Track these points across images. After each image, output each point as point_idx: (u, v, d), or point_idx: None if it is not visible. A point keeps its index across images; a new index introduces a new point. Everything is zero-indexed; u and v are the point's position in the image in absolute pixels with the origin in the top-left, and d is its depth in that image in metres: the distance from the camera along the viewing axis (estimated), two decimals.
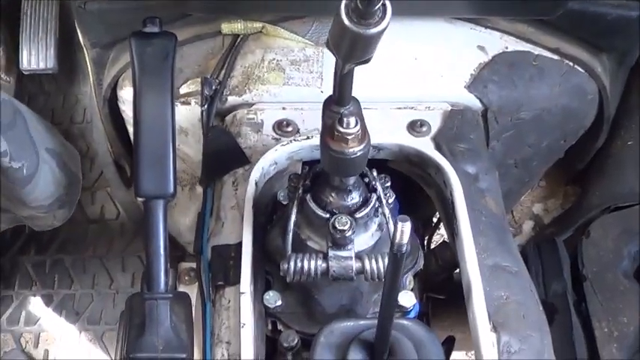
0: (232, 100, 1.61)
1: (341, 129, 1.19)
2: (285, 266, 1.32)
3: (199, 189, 1.75)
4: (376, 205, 1.35)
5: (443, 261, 1.60)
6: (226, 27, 1.70)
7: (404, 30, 1.68)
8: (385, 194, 1.38)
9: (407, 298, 1.41)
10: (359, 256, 1.32)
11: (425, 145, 1.56)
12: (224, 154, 1.60)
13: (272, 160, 1.51)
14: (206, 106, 1.64)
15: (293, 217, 1.34)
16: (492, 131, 1.72)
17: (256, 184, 1.48)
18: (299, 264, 1.31)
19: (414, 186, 1.60)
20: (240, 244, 1.38)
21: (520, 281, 1.40)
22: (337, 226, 1.29)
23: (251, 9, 1.66)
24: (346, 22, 0.98)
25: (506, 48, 1.75)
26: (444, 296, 1.67)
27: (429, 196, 1.63)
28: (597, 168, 1.94)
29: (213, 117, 1.64)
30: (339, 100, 1.20)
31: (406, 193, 1.52)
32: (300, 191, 1.35)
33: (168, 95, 1.37)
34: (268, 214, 1.51)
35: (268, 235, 1.46)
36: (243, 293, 1.33)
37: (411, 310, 1.42)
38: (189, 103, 1.63)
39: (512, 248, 1.46)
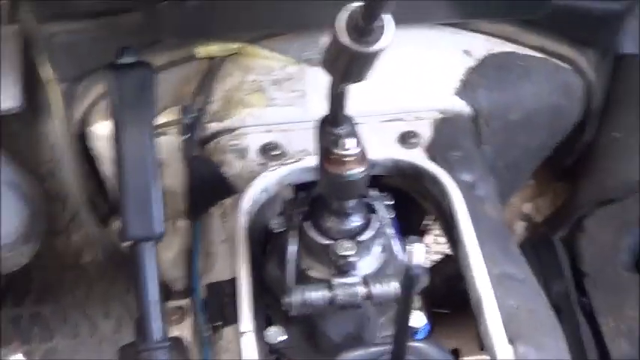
0: (213, 126, 1.53)
1: (339, 151, 1.13)
2: (288, 300, 1.24)
3: (181, 222, 1.67)
4: (378, 226, 1.28)
5: (446, 275, 1.54)
6: (201, 50, 1.63)
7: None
8: (388, 212, 1.31)
9: (417, 319, 1.35)
10: (365, 281, 1.25)
11: (419, 157, 1.50)
12: (209, 185, 1.52)
13: (261, 187, 1.44)
14: (187, 136, 1.56)
15: (293, 247, 1.27)
16: (483, 135, 1.67)
17: (247, 213, 1.41)
18: (303, 296, 1.24)
19: (404, 199, 1.53)
20: (234, 280, 1.29)
21: (528, 288, 1.36)
22: (340, 252, 1.23)
23: (228, 29, 1.58)
24: (345, 40, 0.92)
25: (492, 50, 1.70)
26: (448, 310, 1.61)
27: (419, 208, 1.57)
28: (586, 162, 1.88)
29: (194, 146, 1.57)
30: (334, 121, 1.13)
31: (398, 208, 1.45)
32: (300, 218, 1.28)
33: (150, 129, 1.29)
34: (261, 244, 1.44)
35: (265, 267, 1.38)
36: (244, 333, 1.25)
37: (421, 330, 1.36)
38: (165, 134, 1.55)
39: (516, 255, 1.41)
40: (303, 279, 1.27)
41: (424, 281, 1.44)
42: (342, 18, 0.88)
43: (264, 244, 1.44)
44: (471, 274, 1.31)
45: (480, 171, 1.55)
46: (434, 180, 1.47)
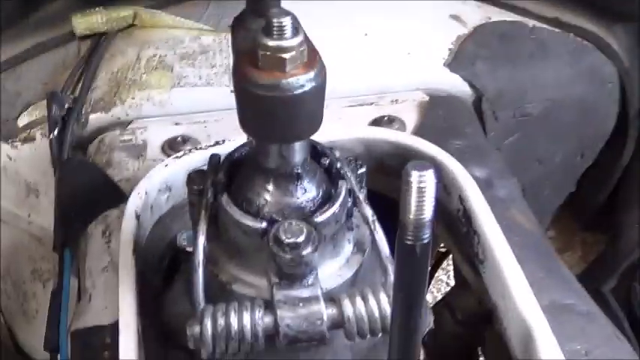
0: (96, 119, 1.07)
1: (270, 42, 0.62)
2: (196, 329, 0.69)
3: None
4: (348, 203, 0.75)
5: (464, 314, 0.98)
6: (81, 23, 1.13)
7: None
8: (360, 187, 0.79)
9: None
10: (330, 297, 0.71)
11: (406, 135, 0.98)
12: (87, 195, 0.99)
13: (161, 181, 0.92)
14: (56, 133, 1.05)
15: (202, 241, 0.73)
16: (491, 133, 1.17)
17: (138, 219, 0.87)
18: (220, 323, 0.69)
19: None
20: (116, 326, 0.80)
21: (597, 325, 0.92)
22: (283, 237, 0.69)
23: None
24: None
25: (489, 19, 1.23)
26: None
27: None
28: (627, 197, 1.46)
29: (67, 147, 1.05)
30: (258, 7, 0.63)
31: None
32: (210, 193, 0.74)
33: None
34: (163, 271, 0.89)
35: (166, 298, 0.84)
36: None
37: None
38: (33, 139, 1.04)
39: (569, 278, 0.98)
40: (223, 297, 0.72)
41: (428, 322, 0.90)
42: None
43: (171, 271, 0.89)
44: (512, 304, 0.82)
45: (496, 165, 1.05)
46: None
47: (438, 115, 1.11)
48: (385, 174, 1.01)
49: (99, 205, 0.98)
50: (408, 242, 0.55)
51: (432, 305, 1.00)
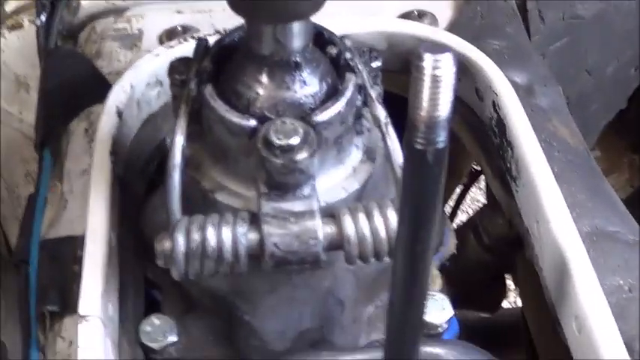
0: (89, 4, 0.98)
1: None
2: (166, 245, 0.58)
3: None
4: (358, 102, 0.63)
5: (492, 239, 0.86)
6: None
7: None
8: (373, 82, 0.66)
9: (436, 309, 0.68)
10: (330, 213, 0.59)
11: (435, 30, 0.85)
12: (73, 88, 0.88)
13: (150, 73, 0.80)
14: (43, 19, 0.93)
15: (180, 140, 0.62)
16: (535, 36, 1.03)
17: (120, 115, 0.76)
18: (195, 238, 0.58)
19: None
20: None
21: None
22: (274, 139, 0.57)
23: None
24: None
25: None
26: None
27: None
28: None
29: (55, 35, 0.94)
30: None
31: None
32: (193, 84, 0.62)
33: None
34: (149, 176, 0.79)
35: (146, 205, 0.73)
36: (84, 318, 0.60)
37: (444, 330, 0.69)
38: (20, 26, 0.93)
39: (615, 202, 0.84)
40: (206, 211, 0.61)
41: (449, 245, 0.80)
42: None
43: (158, 176, 0.78)
44: (546, 226, 0.71)
45: (539, 70, 0.92)
46: (467, 70, 0.82)
47: (475, 11, 0.97)
48: (403, 70, 0.88)
49: (83, 99, 0.87)
50: (419, 146, 0.43)
51: (455, 228, 0.88)
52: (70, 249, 0.73)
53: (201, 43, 0.66)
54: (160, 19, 0.96)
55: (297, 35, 0.60)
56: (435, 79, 0.42)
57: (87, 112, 0.86)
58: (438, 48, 0.42)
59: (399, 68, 0.88)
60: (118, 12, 0.97)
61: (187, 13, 0.97)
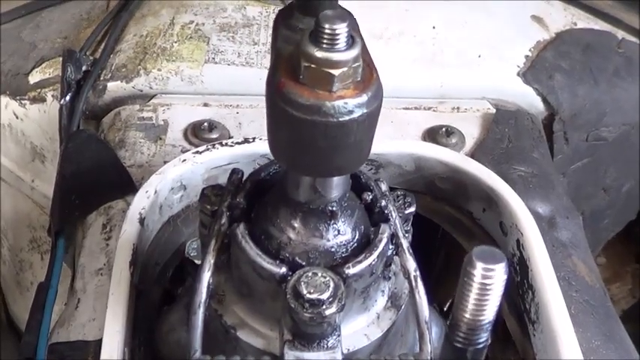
0: (115, 88, 0.94)
1: (317, 53, 0.48)
2: None
3: None
4: (388, 252, 0.62)
5: None
6: None
7: None
8: (405, 231, 0.65)
9: None
10: None
11: (461, 157, 0.84)
12: (93, 178, 0.87)
13: (175, 179, 0.79)
14: (68, 99, 0.92)
15: (206, 277, 0.60)
16: (558, 156, 1.03)
17: (142, 224, 0.75)
18: None
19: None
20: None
21: None
22: (304, 291, 0.56)
23: None
24: None
25: (574, 25, 1.08)
26: None
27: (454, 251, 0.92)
28: None
29: (79, 116, 0.93)
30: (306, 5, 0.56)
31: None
32: (224, 219, 0.61)
33: None
34: (166, 282, 0.78)
35: (163, 322, 0.72)
36: None
37: None
38: (43, 99, 0.92)
39: (628, 348, 0.85)
40: (227, 347, 0.60)
41: None
42: None
43: (175, 288, 0.77)
44: None
45: (560, 201, 0.91)
46: (492, 201, 0.81)
47: (503, 133, 0.97)
48: (434, 197, 0.88)
49: (104, 192, 0.86)
50: (459, 344, 0.42)
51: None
52: (81, 355, 0.72)
53: (236, 174, 0.65)
54: (186, 110, 0.95)
55: (336, 186, 0.59)
56: (484, 287, 0.41)
57: (106, 207, 0.85)
58: (490, 255, 0.42)
59: (424, 189, 0.88)
60: (143, 98, 0.98)
61: (214, 106, 0.96)
